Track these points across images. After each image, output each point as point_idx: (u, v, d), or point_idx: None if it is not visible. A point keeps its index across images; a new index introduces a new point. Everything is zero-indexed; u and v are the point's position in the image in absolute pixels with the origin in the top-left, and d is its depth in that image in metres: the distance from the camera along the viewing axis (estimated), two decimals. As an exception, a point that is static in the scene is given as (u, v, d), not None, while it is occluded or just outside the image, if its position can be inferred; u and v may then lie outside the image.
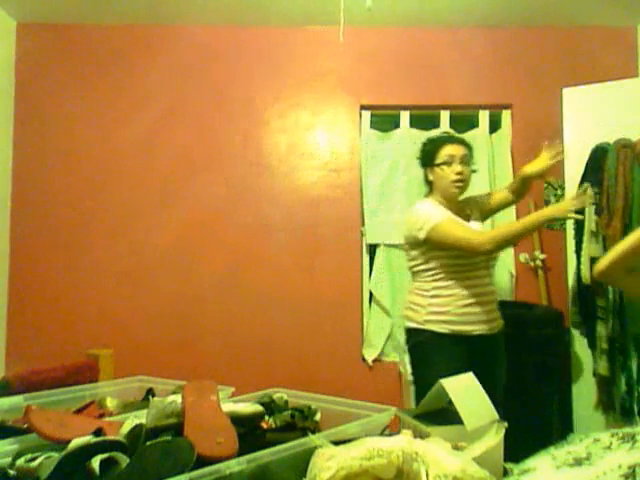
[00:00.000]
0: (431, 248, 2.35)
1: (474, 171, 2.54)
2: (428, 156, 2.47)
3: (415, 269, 2.44)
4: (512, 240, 2.36)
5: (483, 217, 2.59)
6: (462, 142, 2.47)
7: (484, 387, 2.36)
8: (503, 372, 2.44)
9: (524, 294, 3.36)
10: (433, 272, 2.37)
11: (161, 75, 3.51)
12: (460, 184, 2.41)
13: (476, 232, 2.33)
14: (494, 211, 2.67)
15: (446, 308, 2.32)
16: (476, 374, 2.13)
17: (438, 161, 2.41)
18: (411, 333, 2.42)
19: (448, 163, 2.39)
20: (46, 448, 1.14)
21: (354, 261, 3.48)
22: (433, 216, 2.33)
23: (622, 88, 3.00)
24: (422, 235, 2.32)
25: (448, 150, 2.41)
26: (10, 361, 3.29)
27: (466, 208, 2.51)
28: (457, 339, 2.30)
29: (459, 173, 2.39)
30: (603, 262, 1.97)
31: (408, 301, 2.46)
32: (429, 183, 2.49)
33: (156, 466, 0.99)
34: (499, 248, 2.32)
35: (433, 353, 2.32)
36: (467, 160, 2.43)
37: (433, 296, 2.35)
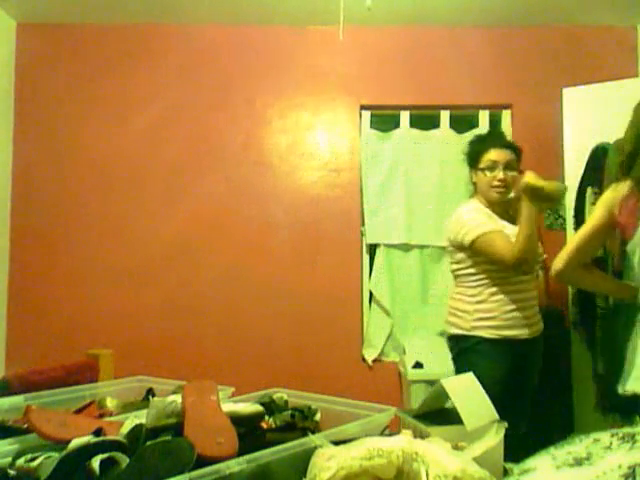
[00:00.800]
0: (477, 253, 2.33)
1: (522, 172, 2.51)
2: (472, 158, 2.45)
3: (459, 272, 2.41)
4: (529, 245, 2.23)
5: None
6: (508, 146, 2.44)
7: (522, 389, 2.36)
8: (537, 375, 2.45)
9: (524, 294, 3.36)
10: (478, 277, 2.35)
11: (162, 75, 3.51)
12: (501, 190, 2.38)
13: (509, 249, 2.24)
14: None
15: (493, 314, 2.30)
16: (520, 377, 2.12)
17: (481, 165, 2.39)
18: (457, 340, 2.38)
19: (490, 169, 2.37)
20: (46, 448, 1.14)
21: (354, 261, 3.48)
22: (481, 224, 2.30)
23: (622, 88, 2.99)
24: (468, 240, 2.30)
25: (492, 155, 2.38)
26: (10, 361, 3.29)
27: (510, 209, 2.47)
28: (504, 344, 2.29)
29: (501, 180, 2.36)
30: (559, 262, 1.97)
31: (452, 307, 2.43)
32: (473, 184, 2.48)
33: (156, 466, 0.99)
34: (524, 259, 2.23)
35: (482, 359, 2.28)
36: (512, 165, 2.39)
37: (479, 302, 2.33)
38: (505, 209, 2.46)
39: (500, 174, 2.36)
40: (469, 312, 2.34)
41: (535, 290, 2.43)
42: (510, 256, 2.22)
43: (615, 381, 2.01)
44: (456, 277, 2.45)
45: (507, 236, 2.30)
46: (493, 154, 2.39)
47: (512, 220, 2.43)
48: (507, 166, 2.38)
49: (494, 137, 2.55)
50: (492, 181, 2.37)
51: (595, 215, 1.97)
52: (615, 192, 1.96)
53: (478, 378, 2.07)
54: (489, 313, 2.31)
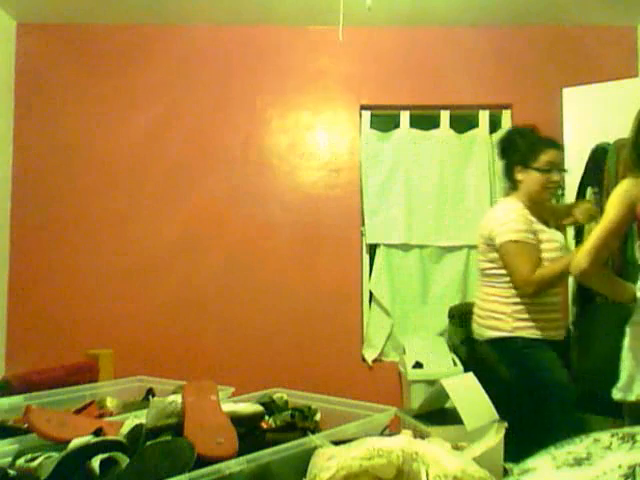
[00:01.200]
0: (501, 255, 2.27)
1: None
2: (526, 156, 2.33)
3: (491, 272, 2.33)
4: (555, 284, 2.24)
5: (559, 228, 2.49)
6: (560, 147, 2.38)
7: None
8: None
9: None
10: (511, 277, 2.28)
11: (162, 75, 3.51)
12: (553, 191, 2.34)
13: (528, 270, 2.20)
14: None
15: (531, 315, 2.25)
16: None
17: (537, 165, 2.29)
18: (500, 343, 2.29)
19: (547, 170, 2.29)
20: (46, 448, 1.14)
21: (354, 261, 3.48)
22: (517, 230, 2.23)
23: (622, 88, 3.00)
24: (499, 240, 2.25)
25: (550, 156, 2.30)
26: (10, 361, 3.29)
27: (544, 213, 2.39)
28: (546, 344, 2.25)
29: (556, 182, 2.31)
30: (583, 261, 1.85)
31: (487, 310, 2.34)
32: (515, 181, 2.36)
33: (156, 466, 0.99)
34: (539, 292, 2.22)
35: (533, 358, 2.24)
36: (562, 165, 2.34)
37: (515, 303, 2.26)
38: (542, 211, 2.38)
39: (556, 176, 2.30)
40: (507, 314, 2.27)
41: (562, 295, 2.38)
42: (525, 278, 2.19)
43: (599, 382, 1.98)
44: (486, 276, 2.36)
45: (535, 253, 2.23)
46: (551, 155, 2.30)
47: (546, 223, 2.36)
48: (560, 167, 2.34)
49: (549, 139, 2.41)
50: (547, 182, 2.29)
51: (614, 211, 1.85)
52: (636, 186, 1.84)
53: (541, 374, 2.05)
54: (528, 314, 2.25)
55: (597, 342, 2.33)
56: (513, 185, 2.38)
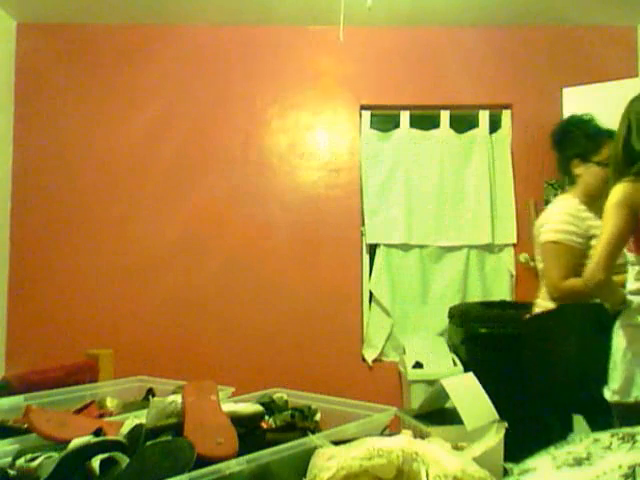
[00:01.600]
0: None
1: None
2: (588, 149, 2.22)
3: None
4: (583, 299, 2.09)
5: None
6: None
7: None
8: None
9: (524, 294, 3.35)
10: None
11: (162, 75, 3.51)
12: None
13: (559, 275, 2.12)
14: None
15: None
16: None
17: (598, 158, 2.19)
18: None
19: (609, 164, 2.14)
20: (46, 448, 1.14)
21: (354, 261, 3.48)
22: (555, 231, 2.15)
23: (622, 88, 2.99)
24: (541, 239, 2.19)
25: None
26: (10, 361, 3.29)
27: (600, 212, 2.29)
28: None
29: None
30: (598, 271, 1.78)
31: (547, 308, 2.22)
32: (573, 175, 2.25)
33: (156, 466, 0.99)
34: (563, 301, 2.14)
35: None
36: None
37: None
38: (602, 206, 2.23)
39: None
40: None
41: None
42: (554, 283, 2.13)
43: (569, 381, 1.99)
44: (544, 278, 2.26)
45: (573, 258, 2.12)
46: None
47: None
48: None
49: (610, 131, 2.24)
50: (607, 177, 2.13)
51: (616, 217, 1.78)
52: (638, 191, 1.77)
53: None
54: None
55: (567, 345, 2.23)
56: (570, 179, 2.28)
